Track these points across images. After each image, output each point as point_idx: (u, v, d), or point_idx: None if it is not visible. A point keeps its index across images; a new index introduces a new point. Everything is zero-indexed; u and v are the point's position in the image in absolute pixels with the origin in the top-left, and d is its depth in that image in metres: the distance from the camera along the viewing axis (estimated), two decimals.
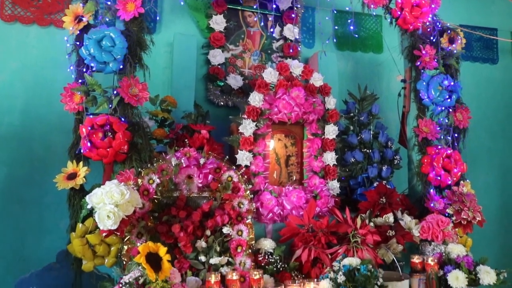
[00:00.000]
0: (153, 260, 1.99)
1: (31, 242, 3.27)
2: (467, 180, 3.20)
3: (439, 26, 3.28)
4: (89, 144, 2.40)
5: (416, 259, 2.68)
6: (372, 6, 3.13)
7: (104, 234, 2.19)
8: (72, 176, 2.45)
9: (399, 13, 3.19)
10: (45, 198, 3.28)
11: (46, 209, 3.30)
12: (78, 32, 2.59)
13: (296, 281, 2.43)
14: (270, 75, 2.90)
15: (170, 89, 3.39)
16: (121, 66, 2.56)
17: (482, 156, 4.59)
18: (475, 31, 4.52)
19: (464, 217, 2.92)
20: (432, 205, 3.03)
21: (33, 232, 3.29)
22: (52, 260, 3.00)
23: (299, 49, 3.79)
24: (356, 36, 3.98)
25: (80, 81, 2.55)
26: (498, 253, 4.47)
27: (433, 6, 3.24)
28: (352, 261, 2.37)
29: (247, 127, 2.83)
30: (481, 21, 4.69)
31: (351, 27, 3.33)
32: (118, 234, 2.25)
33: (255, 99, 2.85)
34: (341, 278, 2.28)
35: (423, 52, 3.18)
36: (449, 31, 3.26)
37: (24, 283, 2.91)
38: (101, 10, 2.67)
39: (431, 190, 3.13)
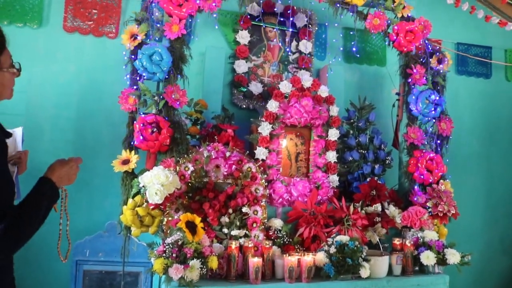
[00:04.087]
0: (191, 226, 2.46)
1: (82, 216, 3.58)
2: (447, 180, 3.50)
3: (430, 48, 3.61)
4: (141, 138, 2.86)
5: (396, 241, 3.10)
6: (373, 31, 3.49)
7: (151, 207, 2.67)
8: (125, 162, 2.88)
9: (395, 37, 3.51)
10: (95, 180, 3.64)
11: (95, 190, 3.66)
12: (133, 47, 2.99)
13: (298, 252, 2.85)
14: (285, 86, 3.27)
15: (201, 92, 3.67)
16: (166, 76, 2.94)
17: (472, 161, 4.84)
18: (469, 52, 4.78)
19: (440, 210, 3.27)
20: (415, 199, 3.37)
21: (84, 208, 3.64)
22: (102, 230, 3.51)
23: (311, 60, 4.07)
24: (358, 56, 4.25)
25: (134, 87, 2.97)
26: (483, 248, 4.77)
27: (424, 31, 3.54)
28: (343, 238, 2.81)
29: (265, 128, 3.17)
30: (477, 39, 4.91)
31: (354, 49, 3.72)
32: (162, 207, 2.73)
33: (272, 105, 3.21)
34: (332, 250, 2.74)
35: (414, 70, 3.52)
36: (437, 53, 3.58)
37: (80, 246, 3.43)
38: (152, 30, 3.00)
39: (416, 187, 3.45)
